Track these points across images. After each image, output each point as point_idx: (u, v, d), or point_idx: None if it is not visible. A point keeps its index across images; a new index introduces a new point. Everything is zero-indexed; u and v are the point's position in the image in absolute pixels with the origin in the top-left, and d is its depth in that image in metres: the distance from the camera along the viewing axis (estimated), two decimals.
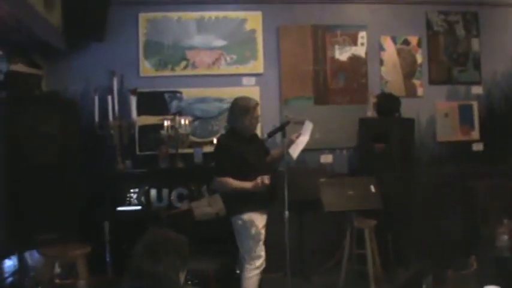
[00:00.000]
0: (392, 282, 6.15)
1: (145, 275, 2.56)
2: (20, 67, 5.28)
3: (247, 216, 4.98)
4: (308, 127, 5.14)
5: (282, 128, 5.10)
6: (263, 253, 5.10)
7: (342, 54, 7.12)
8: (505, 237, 4.89)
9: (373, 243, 5.99)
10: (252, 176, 4.90)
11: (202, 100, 6.78)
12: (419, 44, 7.37)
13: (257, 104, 5.22)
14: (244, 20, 6.92)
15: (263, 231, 5.08)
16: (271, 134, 5.18)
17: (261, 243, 5.08)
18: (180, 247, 2.69)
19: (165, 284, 2.57)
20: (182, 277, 2.69)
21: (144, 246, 2.63)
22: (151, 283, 2.56)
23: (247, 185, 4.91)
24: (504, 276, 3.76)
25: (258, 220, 5.03)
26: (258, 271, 5.06)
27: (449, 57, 7.49)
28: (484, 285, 3.38)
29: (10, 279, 5.42)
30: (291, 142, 5.13)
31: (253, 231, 5.00)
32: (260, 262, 5.07)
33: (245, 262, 5.06)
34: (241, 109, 5.08)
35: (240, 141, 5.03)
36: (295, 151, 5.11)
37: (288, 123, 5.10)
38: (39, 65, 5.86)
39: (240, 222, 5.02)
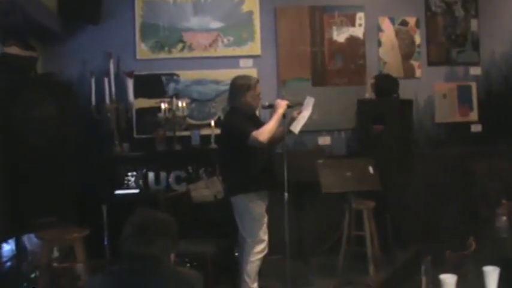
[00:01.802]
0: (391, 263, 6.15)
1: (136, 257, 2.54)
2: (13, 49, 5.22)
3: (249, 196, 4.97)
4: (309, 102, 5.10)
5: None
6: (266, 237, 5.09)
7: (340, 36, 7.07)
8: (504, 218, 4.87)
9: (372, 224, 5.99)
10: (254, 155, 4.89)
11: (199, 82, 6.74)
12: (417, 25, 7.33)
13: (258, 80, 5.24)
14: (241, 2, 6.86)
15: (266, 214, 5.07)
16: (271, 105, 5.11)
17: (265, 226, 5.07)
18: (170, 227, 2.66)
19: (156, 266, 2.55)
20: (172, 258, 2.67)
21: (133, 228, 2.60)
22: (142, 265, 2.54)
23: (276, 117, 4.90)
24: (503, 257, 3.74)
25: (260, 202, 5.03)
26: (260, 255, 5.06)
27: (448, 38, 7.45)
28: (482, 266, 3.36)
29: (8, 263, 5.41)
30: (293, 120, 5.09)
31: (256, 213, 4.99)
32: (263, 246, 5.07)
33: (247, 246, 5.05)
34: (242, 87, 5.06)
35: (244, 119, 5.01)
36: (296, 127, 5.07)
37: (289, 106, 5.05)
38: (34, 47, 5.81)
39: (241, 203, 5.00)
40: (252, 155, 4.90)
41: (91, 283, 2.66)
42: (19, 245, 5.36)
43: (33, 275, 5.28)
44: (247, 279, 5.03)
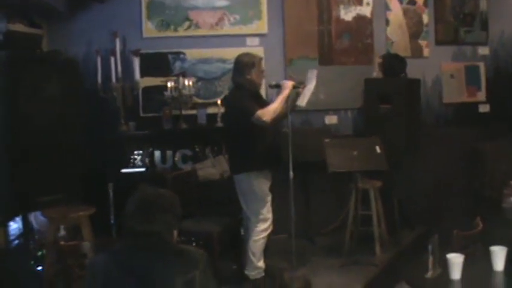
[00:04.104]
0: (397, 243, 6.16)
1: (139, 234, 2.54)
2: (19, 27, 5.20)
3: (253, 175, 4.98)
4: (313, 74, 5.07)
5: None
6: (270, 215, 5.10)
7: (347, 14, 7.01)
8: (511, 198, 4.88)
9: (378, 204, 5.98)
10: (259, 133, 4.88)
11: (206, 61, 6.71)
12: (425, 4, 7.25)
13: (261, 58, 5.25)
14: None
15: (269, 193, 5.07)
16: (278, 85, 5.10)
17: (269, 204, 5.08)
18: (173, 204, 2.66)
19: (159, 243, 2.55)
20: (175, 235, 2.68)
21: (137, 205, 2.60)
22: (145, 242, 2.54)
23: (281, 97, 4.88)
24: (510, 237, 3.74)
25: (264, 181, 5.03)
26: (265, 234, 5.08)
27: (456, 17, 7.38)
28: (489, 246, 3.36)
29: (15, 242, 5.44)
30: (298, 94, 5.07)
31: (259, 191, 5.00)
32: (267, 225, 5.08)
33: (252, 224, 5.07)
34: (247, 64, 5.05)
35: (249, 96, 5.00)
36: (303, 100, 5.04)
37: (295, 87, 5.04)
38: (39, 25, 5.79)
39: (245, 181, 5.01)
40: (256, 134, 4.90)
41: (94, 262, 2.66)
42: (26, 224, 5.38)
43: (40, 253, 5.31)
44: (252, 257, 5.05)
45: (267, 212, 5.07)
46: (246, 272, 5.11)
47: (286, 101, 4.92)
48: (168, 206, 2.63)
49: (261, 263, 5.10)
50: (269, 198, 5.08)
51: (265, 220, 5.06)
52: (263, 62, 5.27)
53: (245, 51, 5.58)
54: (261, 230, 5.05)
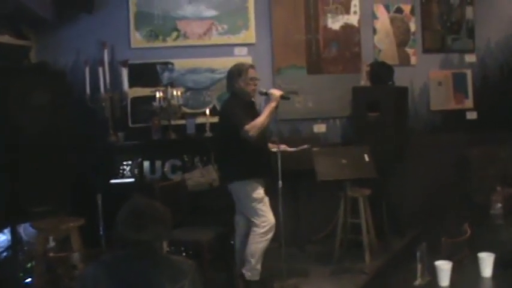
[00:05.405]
0: (386, 250, 6.17)
1: (129, 243, 2.54)
2: (5, 38, 5.20)
3: (246, 183, 5.03)
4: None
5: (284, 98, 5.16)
6: (272, 217, 5.11)
7: (335, 23, 7.04)
8: (499, 204, 4.90)
9: (367, 212, 6.01)
10: (250, 143, 4.90)
11: (194, 71, 6.71)
12: (412, 12, 7.30)
13: (250, 65, 5.32)
14: None
15: (266, 196, 5.12)
16: (267, 93, 5.16)
17: (268, 206, 5.12)
18: (164, 216, 2.67)
19: (148, 252, 2.55)
20: (165, 246, 2.69)
21: (128, 215, 2.61)
22: (135, 252, 2.54)
23: (269, 108, 4.98)
24: (498, 243, 3.76)
25: (258, 186, 5.08)
26: (268, 236, 5.10)
27: (443, 25, 7.43)
28: (478, 252, 3.37)
29: (4, 253, 5.41)
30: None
31: (255, 194, 5.03)
32: (271, 226, 5.09)
33: (254, 226, 5.09)
34: (234, 73, 5.16)
35: (241, 106, 5.06)
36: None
37: (283, 98, 5.10)
38: (26, 36, 5.78)
39: (239, 188, 5.07)
40: (247, 143, 4.91)
41: (84, 274, 2.66)
42: (15, 235, 5.35)
43: (29, 265, 5.28)
44: (251, 259, 5.05)
45: (268, 212, 5.09)
46: (243, 271, 5.12)
47: (275, 112, 4.98)
48: (160, 217, 2.64)
49: (259, 266, 5.11)
50: (266, 200, 5.13)
51: (268, 221, 5.08)
52: (252, 70, 5.26)
53: (233, 60, 5.63)
54: (264, 231, 5.06)
